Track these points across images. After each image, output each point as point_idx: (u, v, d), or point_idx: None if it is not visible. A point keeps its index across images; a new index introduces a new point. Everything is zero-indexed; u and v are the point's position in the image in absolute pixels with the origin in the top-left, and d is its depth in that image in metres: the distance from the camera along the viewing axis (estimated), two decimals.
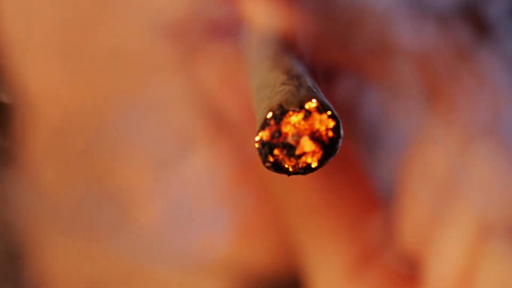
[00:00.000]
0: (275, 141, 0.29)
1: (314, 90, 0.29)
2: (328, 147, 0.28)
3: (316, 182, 0.41)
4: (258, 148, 0.29)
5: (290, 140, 0.29)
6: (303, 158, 0.29)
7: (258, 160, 0.41)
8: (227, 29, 0.40)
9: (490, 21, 0.39)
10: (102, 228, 0.46)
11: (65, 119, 0.45)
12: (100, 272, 0.48)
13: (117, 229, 0.46)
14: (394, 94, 0.41)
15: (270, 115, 0.28)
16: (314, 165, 0.29)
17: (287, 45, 0.36)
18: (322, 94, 0.29)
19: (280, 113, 0.28)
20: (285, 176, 0.40)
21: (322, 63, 0.38)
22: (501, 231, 0.39)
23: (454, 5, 0.39)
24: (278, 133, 0.28)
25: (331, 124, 0.28)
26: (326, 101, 0.28)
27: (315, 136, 0.28)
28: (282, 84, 0.30)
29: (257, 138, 0.29)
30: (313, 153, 0.29)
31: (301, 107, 0.28)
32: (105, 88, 0.43)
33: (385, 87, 0.40)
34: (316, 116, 0.28)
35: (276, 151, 0.29)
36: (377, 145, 0.43)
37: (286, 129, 0.28)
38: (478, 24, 0.39)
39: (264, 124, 0.28)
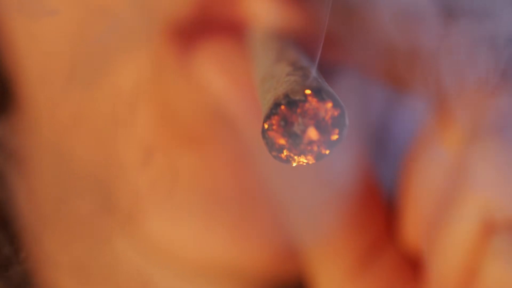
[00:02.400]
0: (281, 130, 0.29)
1: (319, 80, 0.29)
2: (333, 135, 0.29)
3: (319, 182, 0.41)
4: (264, 137, 0.29)
5: (296, 129, 0.29)
6: (309, 147, 0.29)
7: (261, 158, 0.42)
8: (231, 25, 0.40)
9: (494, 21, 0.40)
10: (105, 232, 0.46)
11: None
12: (103, 277, 0.48)
13: (120, 233, 0.46)
14: (398, 93, 0.41)
15: (276, 104, 0.29)
16: (319, 154, 0.29)
17: (292, 41, 0.36)
18: (327, 84, 0.29)
19: (286, 103, 0.29)
20: (288, 175, 0.40)
21: (326, 61, 0.38)
22: (504, 229, 0.39)
23: (458, 4, 0.39)
24: (284, 122, 0.29)
25: (336, 112, 0.29)
26: (331, 90, 0.29)
27: (320, 125, 0.29)
28: (288, 75, 0.30)
29: (263, 128, 0.29)
30: (319, 142, 0.29)
31: (306, 96, 0.29)
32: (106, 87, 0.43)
33: (389, 85, 0.41)
34: (321, 105, 0.29)
35: (282, 140, 0.29)
36: (380, 143, 0.43)
37: (292, 118, 0.29)
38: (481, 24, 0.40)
39: (270, 114, 0.29)
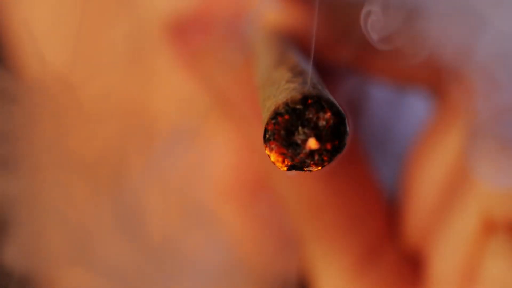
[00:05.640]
0: (281, 139, 0.29)
1: (319, 87, 0.29)
2: (334, 144, 0.29)
3: (320, 181, 0.41)
4: (265, 146, 0.29)
5: (296, 138, 0.29)
6: (310, 156, 0.29)
7: (263, 158, 0.42)
8: (233, 25, 0.40)
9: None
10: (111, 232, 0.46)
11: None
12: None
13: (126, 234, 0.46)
14: (399, 92, 0.41)
15: (275, 113, 0.28)
16: (320, 162, 0.29)
17: (292, 42, 0.36)
18: (327, 91, 0.29)
19: (286, 112, 0.28)
20: (290, 175, 0.40)
21: (327, 60, 0.38)
22: (504, 229, 0.39)
23: (455, 3, 0.39)
24: (284, 131, 0.29)
25: (336, 121, 0.28)
26: (332, 98, 0.28)
27: (320, 134, 0.29)
28: (287, 82, 0.30)
29: (264, 137, 0.29)
30: (319, 150, 0.29)
31: (306, 105, 0.28)
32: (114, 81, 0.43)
33: (390, 85, 0.40)
34: (321, 114, 0.28)
35: (282, 150, 0.29)
36: (381, 143, 0.43)
37: (292, 127, 0.29)
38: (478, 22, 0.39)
39: (270, 123, 0.29)
